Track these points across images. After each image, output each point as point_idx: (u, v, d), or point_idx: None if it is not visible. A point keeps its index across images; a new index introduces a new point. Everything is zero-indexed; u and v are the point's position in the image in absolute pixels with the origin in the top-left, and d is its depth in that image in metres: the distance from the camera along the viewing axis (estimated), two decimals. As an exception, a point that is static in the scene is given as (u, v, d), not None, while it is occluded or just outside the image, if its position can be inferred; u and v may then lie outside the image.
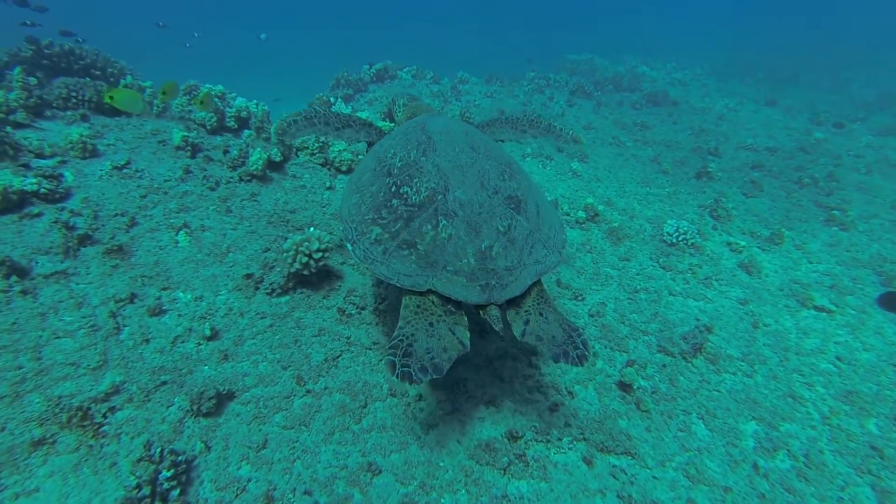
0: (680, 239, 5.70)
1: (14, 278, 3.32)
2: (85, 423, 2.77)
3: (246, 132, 5.86)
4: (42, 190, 3.90)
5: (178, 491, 2.55)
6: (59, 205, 4.01)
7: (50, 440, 2.69)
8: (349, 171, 5.81)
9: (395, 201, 2.83)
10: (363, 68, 10.89)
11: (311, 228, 3.97)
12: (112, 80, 7.12)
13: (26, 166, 4.17)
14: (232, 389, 3.15)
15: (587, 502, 2.88)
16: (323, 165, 5.83)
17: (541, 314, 2.82)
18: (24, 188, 3.83)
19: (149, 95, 5.99)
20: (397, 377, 2.36)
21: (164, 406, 3.00)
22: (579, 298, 4.64)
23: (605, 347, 4.12)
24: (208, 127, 5.76)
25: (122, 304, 3.48)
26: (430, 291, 2.69)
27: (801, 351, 4.36)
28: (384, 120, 6.46)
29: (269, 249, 4.26)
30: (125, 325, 3.38)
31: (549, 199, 6.04)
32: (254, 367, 3.35)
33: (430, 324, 2.63)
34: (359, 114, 5.78)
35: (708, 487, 3.06)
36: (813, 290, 5.21)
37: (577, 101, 11.52)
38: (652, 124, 10.82)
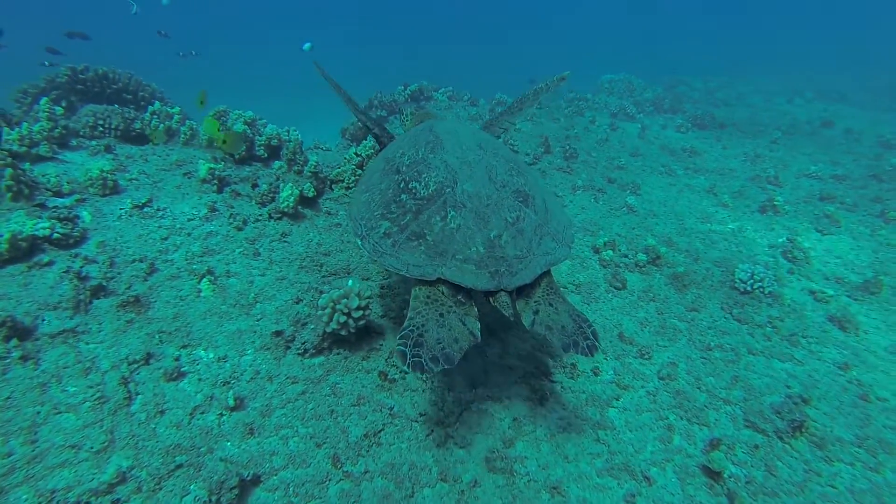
0: (756, 286, 4.98)
1: (14, 342, 2.89)
2: (80, 529, 2.25)
3: (276, 163, 5.45)
4: (55, 235, 3.51)
5: None
6: (72, 251, 3.61)
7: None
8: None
9: (403, 196, 2.85)
10: (398, 89, 10.48)
11: (350, 281, 3.46)
12: (143, 103, 6.93)
13: (42, 206, 3.81)
14: (258, 473, 2.66)
15: None
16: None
17: (550, 304, 2.78)
18: (36, 233, 3.45)
19: (176, 122, 5.68)
20: (409, 367, 2.34)
21: (178, 497, 2.50)
22: (646, 357, 4.01)
23: (682, 419, 3.51)
24: (236, 156, 5.39)
25: (135, 366, 3.03)
26: (439, 281, 2.66)
27: (938, 437, 3.56)
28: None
29: (300, 300, 3.77)
30: (138, 394, 2.91)
31: (604, 239, 5.47)
32: (283, 443, 2.85)
33: (441, 314, 2.60)
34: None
35: None
36: (935, 353, 4.38)
37: (619, 125, 10.91)
38: (701, 150, 10.09)
